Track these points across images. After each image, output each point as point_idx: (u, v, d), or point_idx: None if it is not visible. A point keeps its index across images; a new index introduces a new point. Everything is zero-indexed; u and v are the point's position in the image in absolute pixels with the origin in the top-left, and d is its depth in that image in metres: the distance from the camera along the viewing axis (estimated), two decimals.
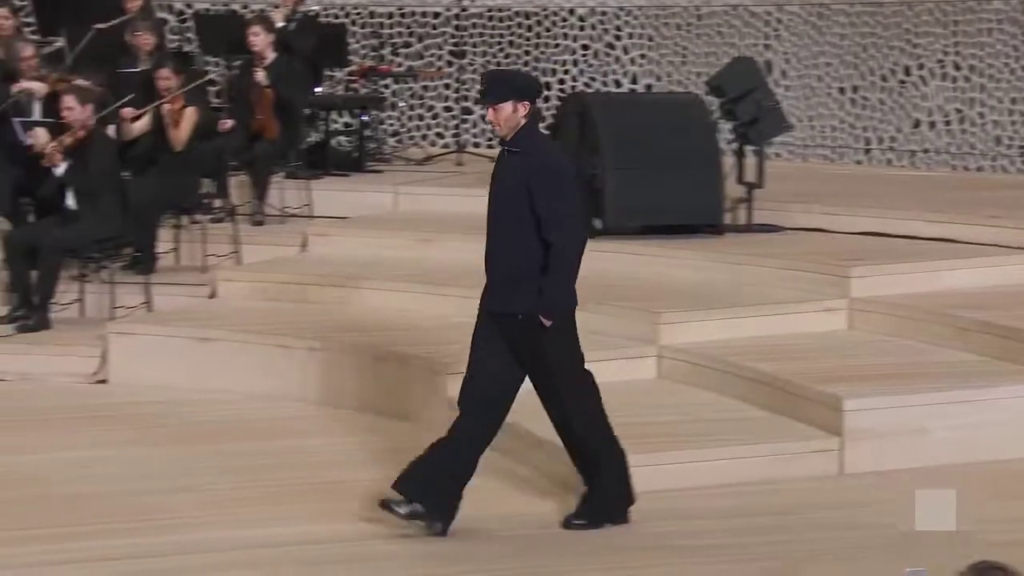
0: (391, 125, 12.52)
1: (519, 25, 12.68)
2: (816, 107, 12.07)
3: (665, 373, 7.45)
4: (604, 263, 8.61)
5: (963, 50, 11.55)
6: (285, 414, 7.54)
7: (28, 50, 9.64)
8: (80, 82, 9.20)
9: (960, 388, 6.74)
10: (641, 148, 8.91)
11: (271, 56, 10.14)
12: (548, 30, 12.64)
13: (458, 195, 9.79)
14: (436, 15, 12.65)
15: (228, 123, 9.91)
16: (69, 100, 8.68)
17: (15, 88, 9.42)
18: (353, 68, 11.98)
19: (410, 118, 12.63)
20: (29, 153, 8.82)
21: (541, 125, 12.40)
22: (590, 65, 12.58)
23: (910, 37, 11.74)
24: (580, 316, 7.75)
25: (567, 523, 5.79)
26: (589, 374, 5.76)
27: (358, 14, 12.63)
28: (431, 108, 12.60)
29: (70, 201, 8.69)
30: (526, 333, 5.57)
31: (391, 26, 12.64)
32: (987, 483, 6.21)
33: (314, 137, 11.15)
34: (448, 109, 12.45)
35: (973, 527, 5.04)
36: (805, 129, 12.00)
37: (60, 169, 8.62)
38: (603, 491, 5.76)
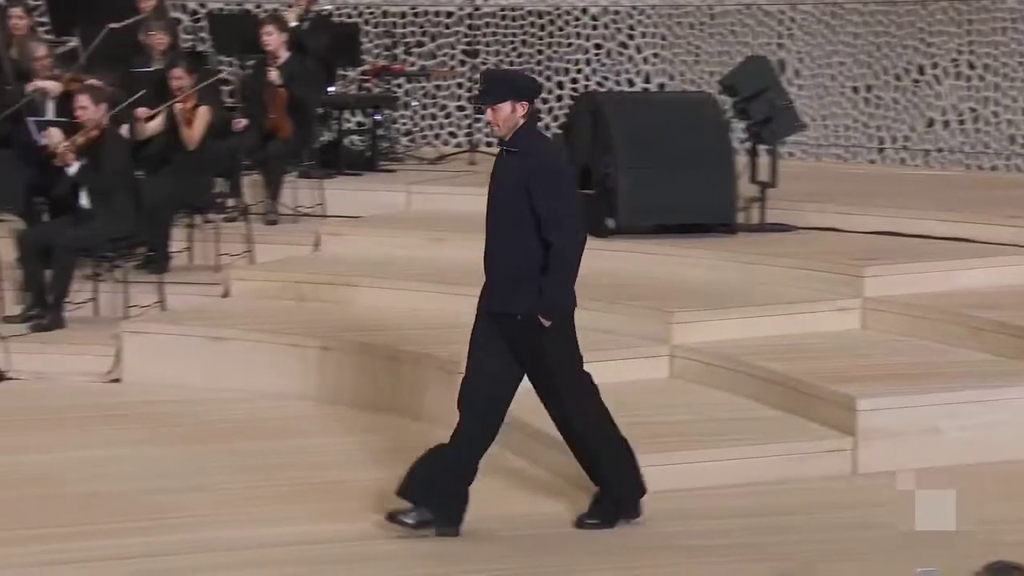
0: (404, 124, 12.53)
1: (532, 24, 12.68)
2: (829, 106, 12.05)
3: (678, 372, 7.44)
4: (617, 262, 8.63)
5: (977, 49, 11.52)
6: (298, 413, 7.55)
7: (41, 50, 9.67)
8: (93, 82, 9.22)
9: (974, 388, 6.73)
10: (654, 147, 8.91)
11: (284, 55, 10.15)
12: (561, 29, 12.64)
13: (470, 194, 9.76)
14: (449, 14, 12.66)
15: (242, 122, 9.93)
16: (83, 99, 8.71)
17: (29, 87, 9.44)
18: (366, 67, 11.99)
19: (423, 117, 12.64)
20: (43, 153, 8.85)
21: (554, 124, 12.45)
22: (603, 64, 12.58)
23: (924, 36, 11.71)
24: (592, 315, 7.79)
25: (580, 523, 5.79)
26: (588, 375, 5.76)
27: (371, 13, 12.64)
28: (444, 107, 12.61)
29: (84, 200, 8.71)
30: (526, 333, 5.57)
31: (404, 25, 12.65)
32: (1001, 483, 6.20)
33: (327, 136, 11.17)
34: (461, 108, 12.45)
35: (987, 527, 5.03)
36: (818, 128, 11.98)
37: (73, 168, 8.65)
38: (610, 489, 5.76)
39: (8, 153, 8.89)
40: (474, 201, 9.72)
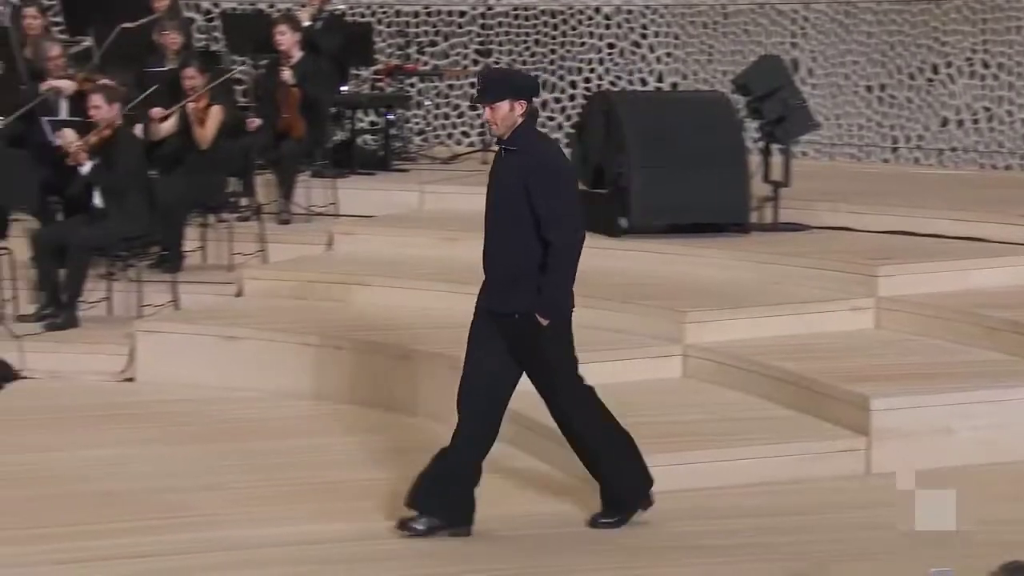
0: (417, 124, 12.53)
1: (545, 24, 12.68)
2: (843, 105, 12.02)
3: (691, 372, 7.43)
4: (629, 262, 8.62)
5: (991, 48, 11.48)
6: (310, 412, 7.55)
7: (55, 49, 9.69)
8: (105, 81, 9.24)
9: (988, 388, 6.71)
10: (667, 147, 8.90)
11: (297, 55, 10.16)
12: (574, 28, 12.63)
13: (483, 194, 9.73)
14: (462, 14, 12.66)
15: (256, 122, 9.95)
16: (96, 99, 8.73)
17: (43, 87, 9.47)
18: (379, 67, 12.00)
19: (436, 117, 12.64)
20: (57, 152, 8.87)
21: (567, 124, 12.43)
22: (616, 64, 12.57)
23: (938, 35, 11.68)
24: (605, 315, 7.80)
25: (594, 522, 5.78)
26: (583, 378, 5.75)
27: (384, 13, 12.65)
28: (457, 107, 12.61)
29: (97, 200, 8.74)
30: (524, 332, 5.56)
31: (417, 25, 12.65)
32: (1014, 483, 6.18)
33: (340, 136, 11.18)
34: (474, 108, 12.44)
35: (1000, 527, 5.01)
36: (832, 127, 11.96)
37: (85, 168, 8.67)
38: (613, 487, 5.75)
39: (23, 153, 8.91)
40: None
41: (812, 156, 11.80)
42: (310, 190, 10.22)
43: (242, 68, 11.18)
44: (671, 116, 9.18)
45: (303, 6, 11.09)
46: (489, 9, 12.62)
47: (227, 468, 6.62)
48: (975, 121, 11.56)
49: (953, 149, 11.64)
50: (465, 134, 12.53)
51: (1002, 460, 6.42)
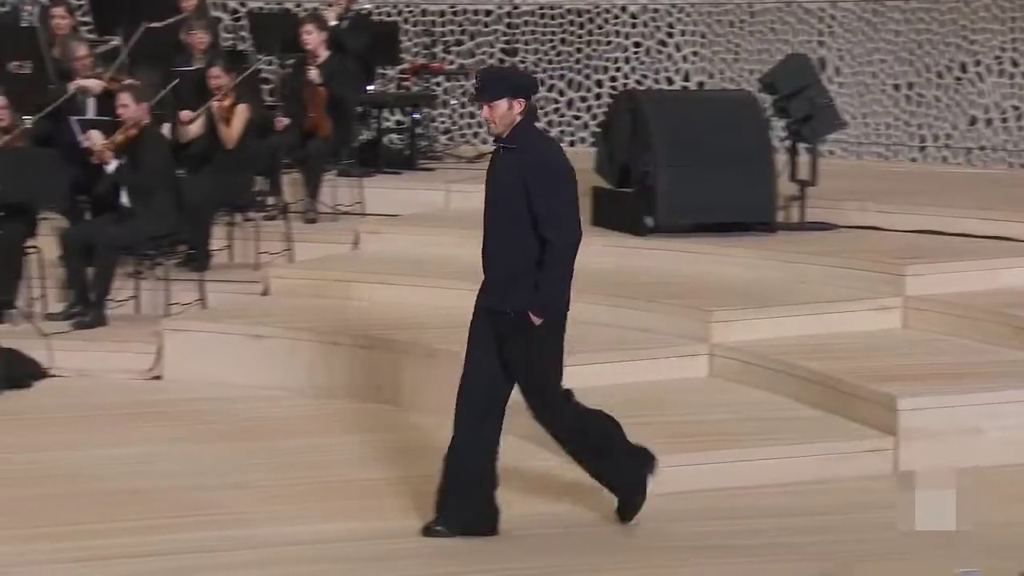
0: (443, 123, 12.54)
1: (571, 23, 12.67)
2: (870, 104, 11.98)
3: (717, 371, 7.42)
4: (655, 261, 8.61)
5: (1020, 46, 11.42)
6: (336, 411, 7.56)
7: (82, 49, 9.74)
8: (131, 81, 9.28)
9: (1016, 388, 6.67)
10: (693, 146, 8.88)
11: (324, 54, 10.18)
12: (600, 27, 12.62)
13: None
14: (488, 13, 12.66)
15: (284, 121, 9.97)
16: (125, 97, 8.78)
17: (70, 86, 9.51)
18: (405, 66, 12.01)
19: (461, 116, 12.65)
20: (85, 152, 8.91)
21: (593, 123, 12.41)
22: (642, 62, 12.55)
23: (967, 33, 11.62)
24: (631, 314, 7.79)
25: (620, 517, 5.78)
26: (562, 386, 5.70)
27: (410, 12, 12.66)
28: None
29: (125, 199, 8.78)
30: (517, 330, 5.53)
31: (443, 24, 12.66)
32: None
33: (366, 135, 11.19)
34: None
35: None
36: (859, 126, 11.91)
37: (111, 167, 8.71)
38: (610, 480, 5.73)
39: (51, 152, 8.96)
40: None
41: (839, 155, 11.76)
42: (336, 189, 10.24)
43: (265, 62, 11.18)
44: (697, 115, 9.16)
45: (329, 5, 11.10)
46: (515, 8, 12.62)
47: (254, 466, 6.64)
48: (1004, 120, 11.49)
49: (982, 148, 11.58)
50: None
51: None
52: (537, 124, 6.70)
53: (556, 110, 12.67)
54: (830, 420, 6.71)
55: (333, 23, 10.62)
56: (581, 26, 12.65)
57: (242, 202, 9.45)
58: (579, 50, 12.63)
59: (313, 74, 10.07)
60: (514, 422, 5.79)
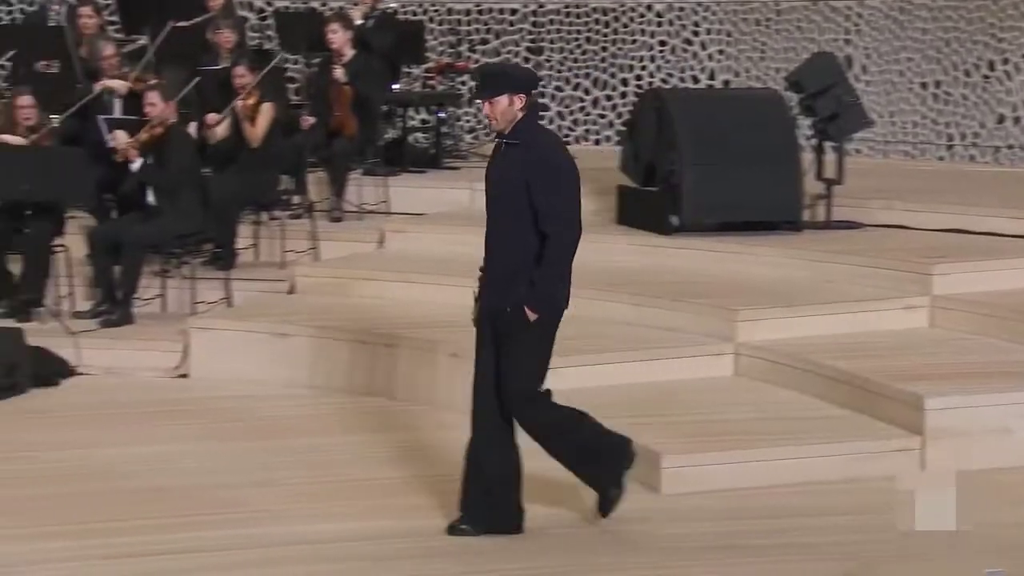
0: (468, 122, 12.55)
1: (596, 21, 12.65)
2: (897, 103, 11.92)
3: (743, 371, 7.39)
4: (681, 260, 8.60)
5: None
6: (362, 409, 7.57)
7: (109, 49, 9.77)
8: (157, 80, 9.31)
9: None
10: (719, 144, 8.86)
11: (349, 53, 10.20)
12: (625, 26, 12.60)
13: None
14: (513, 12, 12.66)
15: (309, 120, 9.99)
16: (153, 96, 8.82)
17: (97, 86, 9.55)
18: (430, 65, 12.01)
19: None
20: (112, 151, 8.95)
21: (618, 122, 12.39)
22: (667, 61, 12.52)
23: (994, 31, 11.56)
24: (657, 313, 7.78)
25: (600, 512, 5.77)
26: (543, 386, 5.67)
27: (436, 11, 12.67)
28: None
29: (151, 198, 8.81)
30: (513, 325, 5.50)
31: (468, 23, 12.67)
32: None
33: (391, 134, 11.21)
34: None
35: None
36: (886, 125, 11.86)
37: (135, 165, 8.75)
38: (589, 479, 5.72)
39: (79, 151, 9.00)
40: None
41: (866, 153, 11.72)
42: (361, 188, 10.25)
43: (285, 58, 11.18)
44: (723, 113, 9.14)
45: (355, 4, 11.12)
46: (540, 7, 12.61)
47: (279, 464, 6.66)
48: None
49: (1009, 147, 11.51)
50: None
51: None
52: (540, 120, 6.65)
53: (581, 109, 12.66)
54: (857, 420, 6.68)
55: (359, 22, 10.63)
56: (606, 24, 12.63)
57: (267, 201, 9.47)
58: (604, 49, 12.61)
59: (339, 73, 10.08)
60: None
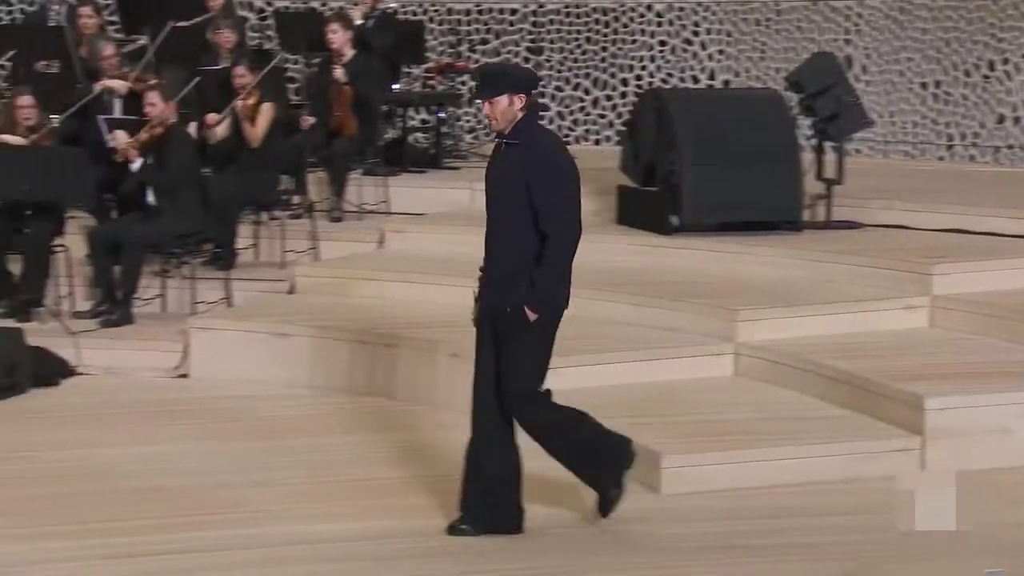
0: (468, 122, 12.55)
1: (596, 21, 12.65)
2: (897, 103, 11.93)
3: (743, 371, 7.40)
4: (681, 260, 8.60)
5: None
6: (362, 409, 7.58)
7: (109, 49, 9.77)
8: (156, 80, 9.31)
9: None
10: (719, 144, 8.86)
11: (349, 53, 10.20)
12: (625, 26, 12.60)
13: None
14: (513, 12, 12.66)
15: (310, 120, 9.99)
16: (153, 96, 8.82)
17: (96, 86, 9.55)
18: (430, 65, 12.02)
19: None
20: (112, 151, 8.95)
21: (619, 122, 12.39)
22: (667, 61, 12.53)
23: (994, 31, 11.56)
24: (657, 313, 7.78)
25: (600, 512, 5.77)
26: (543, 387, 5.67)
27: (436, 11, 12.67)
28: None
29: (151, 198, 8.81)
30: (513, 325, 5.50)
31: (468, 23, 12.67)
32: None
33: (391, 134, 11.21)
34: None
35: None
36: (886, 125, 11.86)
37: (135, 165, 8.75)
38: (588, 479, 5.72)
39: (79, 150, 9.00)
40: None
41: (866, 153, 11.72)
42: (361, 188, 10.25)
43: (285, 58, 11.18)
44: (723, 113, 9.14)
45: (355, 4, 11.12)
46: (540, 7, 12.61)
47: (278, 464, 6.66)
48: None
49: (1010, 147, 11.51)
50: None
51: None
52: (540, 120, 6.65)
53: (581, 109, 12.66)
54: (857, 420, 6.68)
55: (359, 22, 10.63)
56: (606, 24, 12.63)
57: (267, 201, 9.47)
58: (604, 48, 12.62)
59: (339, 73, 10.09)
60: None
